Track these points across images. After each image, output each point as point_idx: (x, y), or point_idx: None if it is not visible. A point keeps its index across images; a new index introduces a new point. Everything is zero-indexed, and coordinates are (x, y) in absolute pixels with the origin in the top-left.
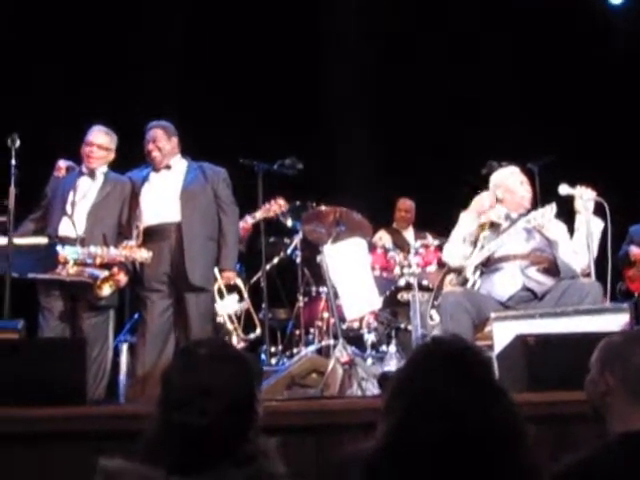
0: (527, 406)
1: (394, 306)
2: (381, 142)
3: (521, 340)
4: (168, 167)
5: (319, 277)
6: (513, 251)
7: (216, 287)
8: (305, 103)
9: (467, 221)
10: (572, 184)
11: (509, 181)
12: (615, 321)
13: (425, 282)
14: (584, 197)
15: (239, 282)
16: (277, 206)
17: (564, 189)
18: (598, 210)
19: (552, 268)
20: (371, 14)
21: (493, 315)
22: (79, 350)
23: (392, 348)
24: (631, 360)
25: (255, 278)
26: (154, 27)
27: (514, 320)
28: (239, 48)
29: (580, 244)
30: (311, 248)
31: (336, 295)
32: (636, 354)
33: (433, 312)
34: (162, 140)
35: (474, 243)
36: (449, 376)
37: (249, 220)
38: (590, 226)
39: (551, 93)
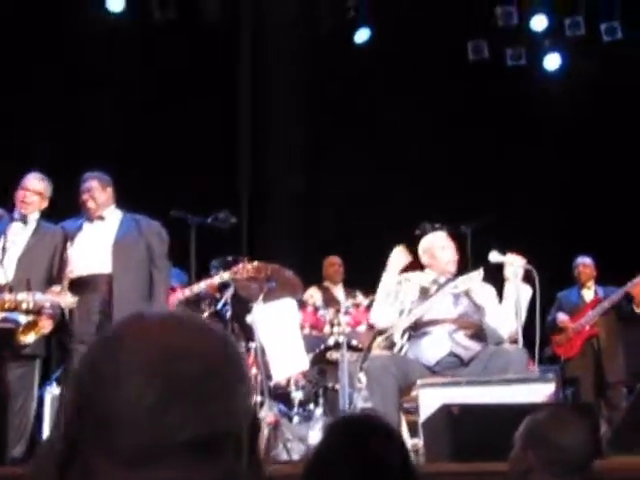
0: (451, 476)
1: (323, 364)
2: (308, 201)
3: (446, 410)
4: (102, 218)
5: (249, 333)
6: (441, 315)
7: None
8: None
9: (387, 279)
10: (504, 248)
11: (433, 247)
12: (541, 391)
13: (354, 342)
14: (514, 264)
15: None
16: (245, 270)
17: (494, 256)
18: (527, 277)
19: (479, 333)
20: None
21: (419, 382)
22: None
23: (318, 410)
24: (554, 441)
25: None
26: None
27: (440, 387)
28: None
29: (508, 311)
30: (241, 304)
31: (264, 353)
32: (559, 435)
33: (361, 375)
34: (97, 191)
35: (397, 298)
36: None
37: (217, 279)
38: (519, 293)
39: (488, 154)
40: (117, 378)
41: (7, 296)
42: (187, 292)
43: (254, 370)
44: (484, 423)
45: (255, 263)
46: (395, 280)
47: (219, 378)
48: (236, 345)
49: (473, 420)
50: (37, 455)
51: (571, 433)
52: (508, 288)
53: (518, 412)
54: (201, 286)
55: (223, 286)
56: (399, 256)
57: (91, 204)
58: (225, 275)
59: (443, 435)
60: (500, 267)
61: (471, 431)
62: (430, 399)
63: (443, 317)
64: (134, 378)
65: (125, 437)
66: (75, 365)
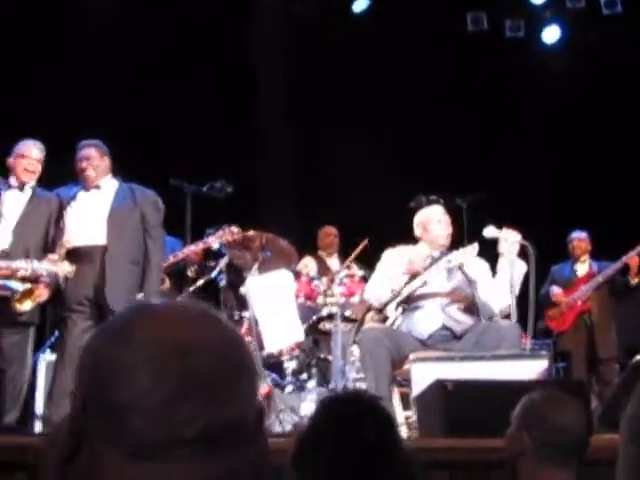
0: (444, 452)
1: (316, 335)
2: (307, 170)
3: (440, 385)
4: (98, 187)
5: (242, 302)
6: (434, 289)
7: None
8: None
9: (388, 262)
10: (499, 223)
11: (428, 220)
12: (534, 367)
13: (348, 313)
14: (509, 240)
15: None
16: (230, 234)
17: (489, 231)
18: (522, 253)
19: (472, 307)
20: None
21: (412, 356)
22: None
23: (311, 382)
24: (549, 422)
25: (180, 298)
26: (84, 42)
27: (433, 362)
28: (171, 70)
29: (501, 285)
30: (236, 272)
31: (257, 323)
32: (556, 416)
33: (354, 347)
34: (96, 159)
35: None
36: (342, 444)
37: (200, 245)
38: (513, 268)
39: (484, 129)
40: (127, 370)
41: (3, 263)
42: (171, 258)
43: (248, 338)
44: (478, 399)
45: (250, 232)
46: (401, 277)
47: (229, 373)
48: (243, 338)
49: (467, 396)
50: (50, 434)
51: (568, 414)
52: (502, 263)
53: (512, 389)
54: (184, 251)
55: (218, 255)
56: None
57: (90, 172)
58: (210, 240)
59: (437, 410)
60: (495, 242)
61: (465, 407)
62: (423, 373)
63: (436, 291)
64: (145, 371)
65: (134, 429)
66: (70, 336)
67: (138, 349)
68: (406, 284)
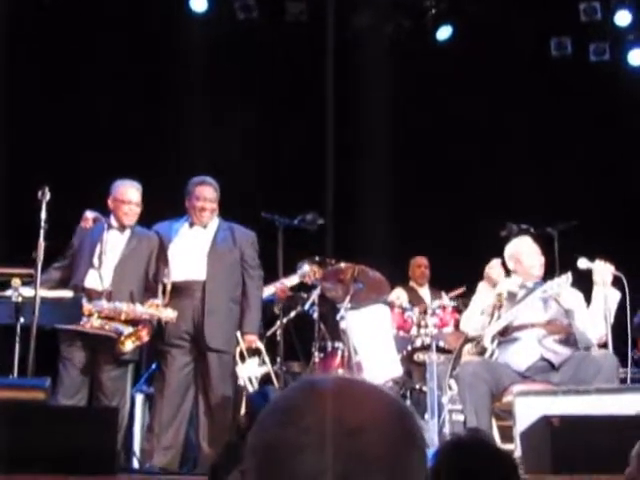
0: None
1: (409, 365)
2: (398, 202)
3: (546, 421)
4: (204, 225)
5: (335, 333)
6: (530, 320)
7: (238, 350)
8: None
9: (483, 293)
10: (591, 253)
11: (518, 252)
12: (637, 401)
13: (442, 343)
14: (603, 271)
15: (260, 346)
16: (313, 273)
17: (583, 263)
18: (616, 283)
19: (568, 338)
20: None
21: (515, 390)
22: (111, 420)
23: None
24: None
25: (272, 331)
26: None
27: (535, 396)
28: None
29: (596, 315)
30: (328, 304)
31: (356, 355)
32: None
33: (452, 381)
34: (214, 201)
35: (492, 314)
36: None
37: (287, 283)
38: (608, 298)
39: (576, 158)
40: (298, 452)
41: (106, 304)
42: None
43: (341, 371)
44: (585, 435)
45: (342, 264)
46: (491, 294)
47: (399, 448)
48: (411, 413)
49: (574, 431)
50: None
51: None
52: (596, 292)
53: (620, 424)
54: (270, 289)
55: (310, 287)
56: (493, 268)
57: (208, 213)
58: (292, 279)
59: (543, 446)
60: (588, 273)
61: (572, 443)
62: (526, 408)
63: (532, 322)
64: (316, 452)
65: None
66: (169, 370)
67: (308, 431)
68: (500, 314)
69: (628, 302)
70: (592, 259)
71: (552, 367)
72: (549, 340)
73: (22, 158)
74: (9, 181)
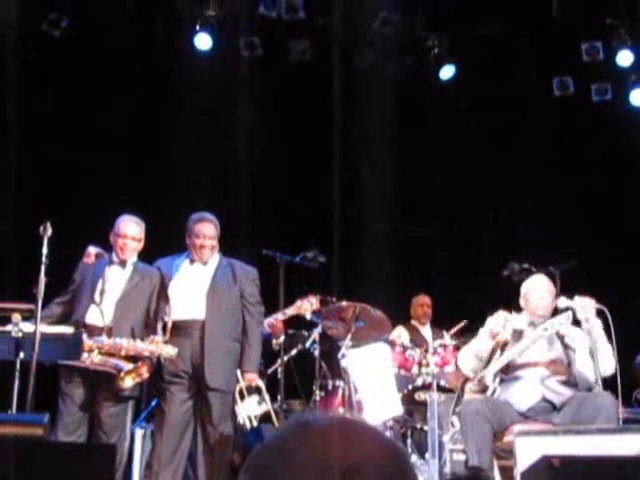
0: None
1: (410, 405)
2: (401, 240)
3: (546, 461)
4: (205, 262)
5: (336, 371)
6: (534, 359)
7: (237, 388)
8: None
9: (483, 340)
10: (594, 290)
11: (527, 290)
12: (637, 441)
13: (443, 382)
14: (585, 307)
15: (261, 384)
16: (309, 304)
17: (563, 302)
18: (599, 315)
19: (570, 379)
20: None
21: (515, 430)
22: (108, 458)
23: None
24: None
25: (273, 369)
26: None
27: (537, 436)
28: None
29: (605, 349)
30: (329, 342)
31: (356, 394)
32: None
33: (454, 418)
34: (214, 238)
35: (489, 359)
36: None
37: (280, 317)
38: (594, 335)
39: (573, 196)
40: None
41: (106, 340)
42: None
43: (341, 410)
44: (586, 475)
45: (344, 302)
46: (489, 344)
47: None
48: (406, 454)
49: (575, 472)
50: None
51: None
52: (587, 330)
53: (621, 464)
54: (267, 324)
55: (311, 324)
56: (498, 320)
57: (208, 251)
58: (288, 311)
59: None
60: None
61: None
62: (527, 448)
63: (535, 360)
64: None
65: None
66: (169, 407)
67: (301, 470)
68: (500, 353)
69: (613, 333)
70: (594, 295)
71: (554, 408)
72: (552, 381)
73: (27, 193)
74: (16, 216)
